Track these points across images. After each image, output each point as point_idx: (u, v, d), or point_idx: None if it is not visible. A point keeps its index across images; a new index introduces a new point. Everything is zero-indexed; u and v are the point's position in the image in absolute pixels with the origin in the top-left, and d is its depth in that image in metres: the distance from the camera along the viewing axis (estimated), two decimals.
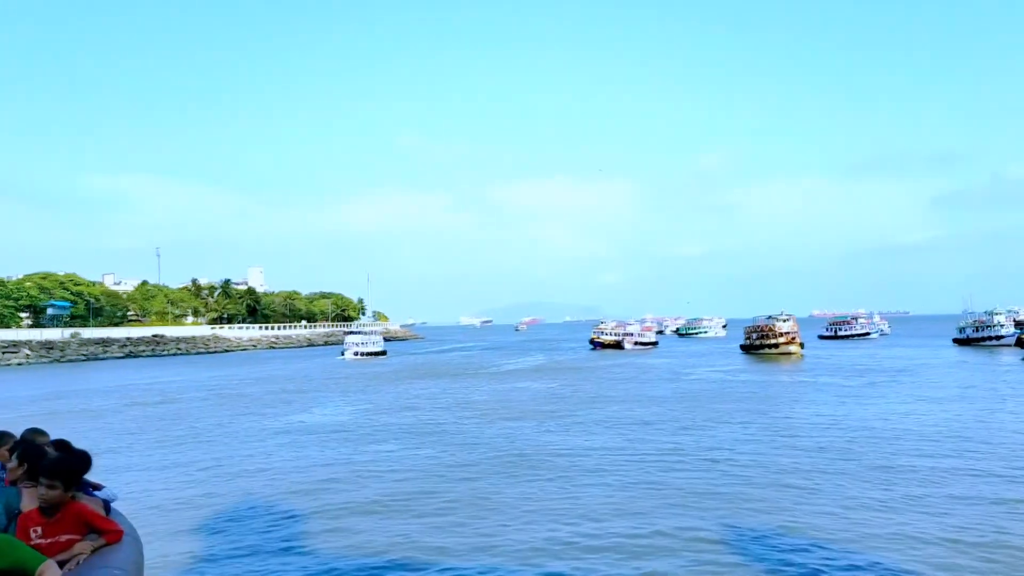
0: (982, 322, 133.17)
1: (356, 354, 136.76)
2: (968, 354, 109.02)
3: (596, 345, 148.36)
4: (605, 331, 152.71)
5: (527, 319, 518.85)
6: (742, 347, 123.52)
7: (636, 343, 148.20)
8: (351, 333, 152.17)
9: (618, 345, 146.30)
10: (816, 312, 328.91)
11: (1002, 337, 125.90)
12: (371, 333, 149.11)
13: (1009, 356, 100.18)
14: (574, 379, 78.08)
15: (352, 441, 40.00)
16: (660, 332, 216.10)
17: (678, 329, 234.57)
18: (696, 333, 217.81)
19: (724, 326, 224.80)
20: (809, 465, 30.70)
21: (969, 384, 64.28)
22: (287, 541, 21.75)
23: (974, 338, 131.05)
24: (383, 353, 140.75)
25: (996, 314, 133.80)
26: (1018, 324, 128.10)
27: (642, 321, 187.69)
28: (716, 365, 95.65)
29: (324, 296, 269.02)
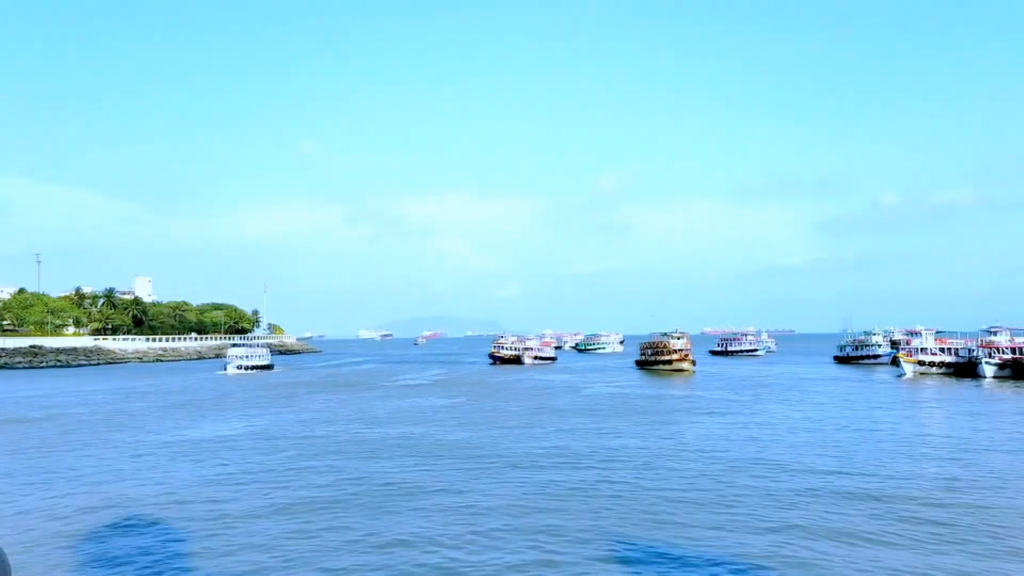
0: (861, 341, 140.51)
1: (240, 368, 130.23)
2: (847, 371, 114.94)
3: (495, 360, 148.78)
4: (504, 346, 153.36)
5: (427, 333, 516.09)
6: (637, 363, 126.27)
7: (535, 358, 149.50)
8: (236, 345, 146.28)
9: (517, 360, 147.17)
10: (708, 329, 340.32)
11: (879, 356, 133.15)
12: (257, 345, 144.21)
13: (884, 373, 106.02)
14: (473, 393, 78.03)
15: (208, 462, 38.71)
16: (559, 347, 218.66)
17: (577, 344, 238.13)
18: (594, 349, 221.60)
19: (621, 342, 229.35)
20: (696, 474, 31.62)
21: (847, 399, 67.75)
22: (154, 555, 20.85)
23: (853, 356, 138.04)
24: (269, 367, 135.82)
25: (873, 334, 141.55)
26: (893, 343, 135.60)
27: (541, 336, 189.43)
28: (612, 380, 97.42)
29: (217, 307, 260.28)
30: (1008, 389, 78.60)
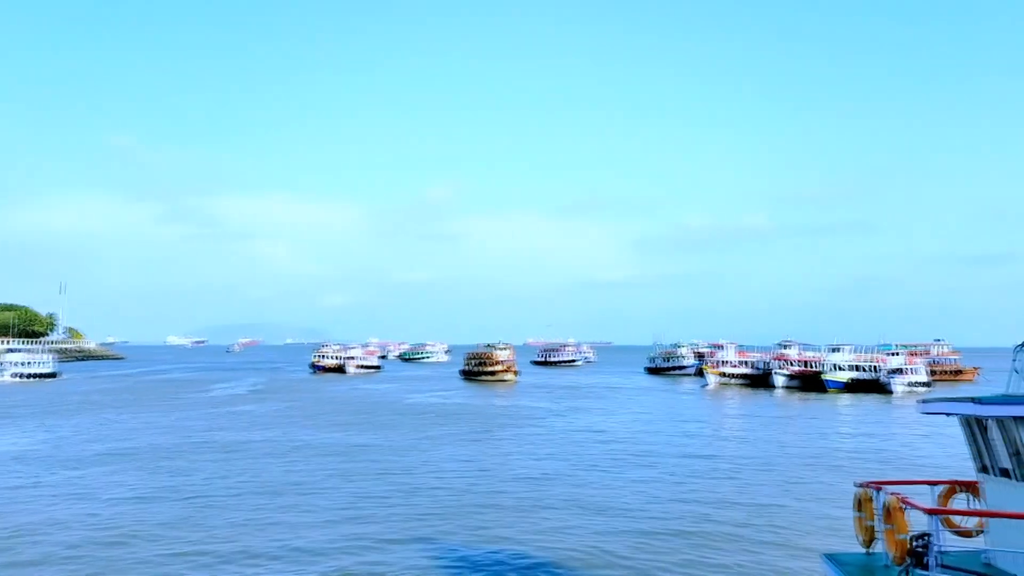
0: (670, 353, 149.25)
1: (17, 376, 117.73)
2: (657, 381, 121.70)
3: (317, 369, 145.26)
4: (327, 355, 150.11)
5: (244, 340, 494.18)
6: (462, 372, 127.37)
7: (359, 367, 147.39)
8: (12, 351, 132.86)
9: (340, 369, 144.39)
10: (531, 340, 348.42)
11: (685, 367, 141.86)
12: (40, 351, 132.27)
13: (690, 384, 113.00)
14: (293, 403, 75.58)
15: None
16: (383, 356, 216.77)
17: (402, 354, 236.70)
18: (420, 358, 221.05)
19: (447, 352, 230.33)
20: (512, 480, 32.28)
21: (656, 406, 71.77)
22: None
23: (663, 367, 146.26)
24: (53, 375, 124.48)
25: (681, 347, 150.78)
26: (698, 356, 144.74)
27: (366, 345, 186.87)
28: (437, 390, 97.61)
29: (7, 308, 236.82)
30: (795, 398, 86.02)
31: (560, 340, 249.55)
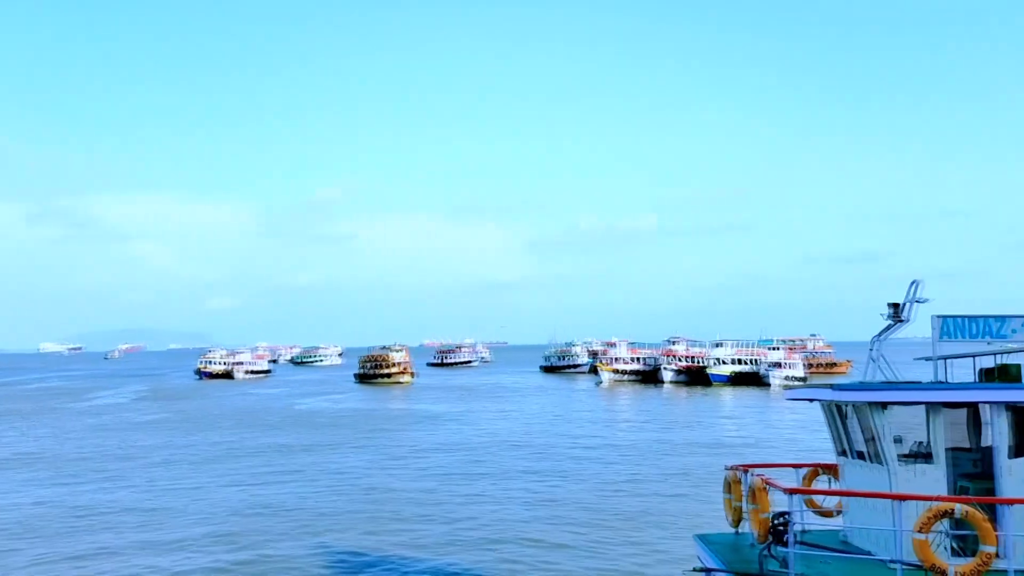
0: (564, 352, 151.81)
1: None
2: (552, 379, 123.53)
3: (204, 375, 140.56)
4: (214, 360, 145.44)
5: (124, 346, 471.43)
6: (357, 376, 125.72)
7: (248, 372, 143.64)
8: None
9: (228, 374, 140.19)
10: (427, 341, 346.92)
11: (579, 365, 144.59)
12: None
13: (584, 381, 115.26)
14: (178, 410, 72.83)
15: None
16: (274, 361, 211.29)
17: (293, 358, 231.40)
18: (312, 362, 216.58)
19: (341, 354, 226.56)
20: (412, 481, 32.34)
21: (550, 404, 72.97)
22: None
23: (558, 366, 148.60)
24: None
25: (575, 345, 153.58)
26: (592, 354, 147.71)
27: (254, 349, 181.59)
28: (330, 393, 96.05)
29: None
30: (683, 392, 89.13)
31: (456, 341, 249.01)
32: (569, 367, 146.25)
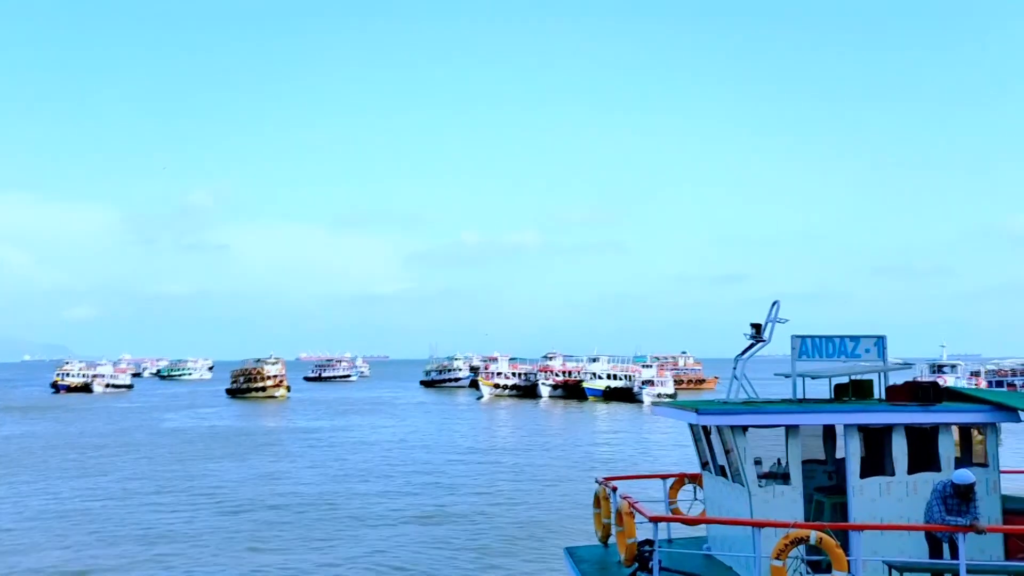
0: (445, 366, 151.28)
1: None
2: (432, 394, 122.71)
3: (60, 388, 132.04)
4: (71, 372, 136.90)
5: None
6: (228, 391, 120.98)
7: (108, 385, 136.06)
8: None
9: (86, 388, 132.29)
10: (304, 355, 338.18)
11: (460, 380, 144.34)
12: None
13: (465, 396, 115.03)
14: (26, 426, 67.72)
15: None
16: (138, 375, 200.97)
17: (159, 371, 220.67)
18: (180, 375, 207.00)
19: (211, 368, 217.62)
20: (284, 500, 31.14)
21: (428, 419, 72.29)
22: None
23: (438, 380, 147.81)
24: None
25: (456, 359, 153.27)
26: (473, 368, 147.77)
27: (117, 362, 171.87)
28: (198, 408, 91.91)
29: None
30: (559, 406, 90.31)
31: (328, 355, 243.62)
32: (449, 381, 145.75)
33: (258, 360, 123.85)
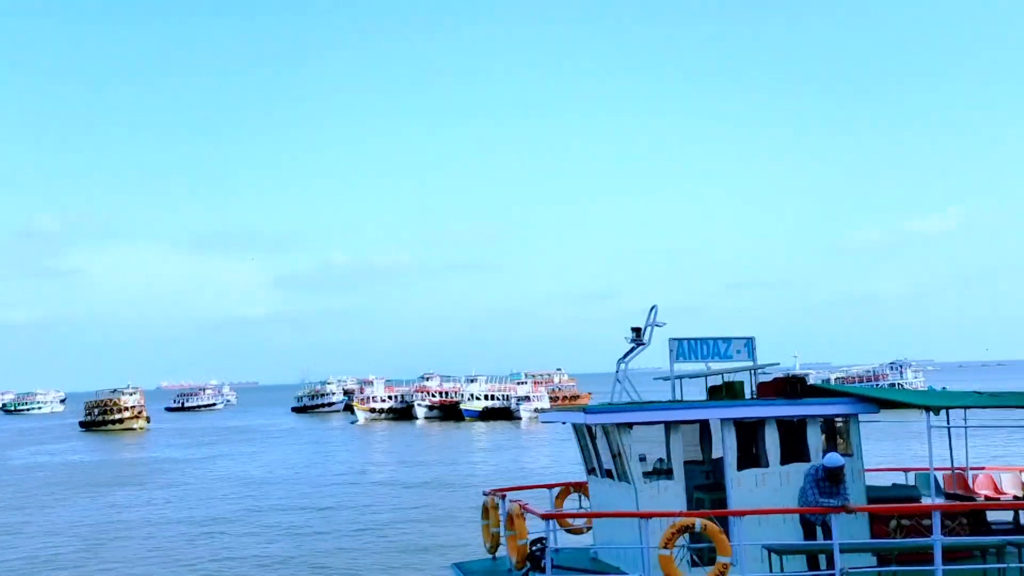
0: (317, 391, 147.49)
1: None
2: (304, 420, 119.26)
3: None
4: None
5: None
6: (82, 424, 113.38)
7: None
8: None
9: None
10: (165, 383, 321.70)
11: (333, 404, 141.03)
12: None
13: (338, 420, 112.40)
14: None
15: None
16: None
17: (4, 405, 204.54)
18: (28, 409, 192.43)
19: (63, 400, 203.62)
20: (143, 539, 29.34)
21: (300, 446, 70.13)
22: None
23: (310, 405, 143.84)
24: None
25: (329, 383, 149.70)
26: (347, 392, 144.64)
27: None
28: (49, 443, 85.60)
29: None
30: (435, 428, 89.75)
31: (192, 383, 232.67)
32: (322, 406, 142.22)
33: (114, 390, 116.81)
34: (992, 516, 13.71)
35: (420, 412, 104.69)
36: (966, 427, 15.28)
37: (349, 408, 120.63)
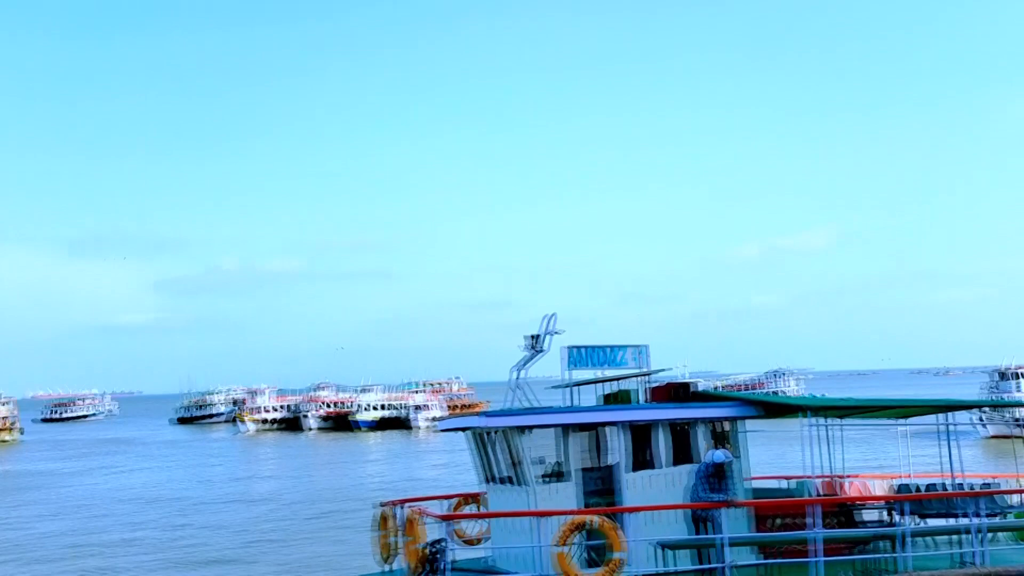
0: (203, 401, 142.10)
1: None
2: (187, 432, 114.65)
3: None
4: None
5: None
6: None
7: None
8: None
9: None
10: (39, 393, 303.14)
11: (218, 415, 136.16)
12: None
13: (224, 432, 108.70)
14: None
15: None
16: None
17: None
18: None
19: None
20: (13, 560, 27.59)
21: (181, 459, 67.40)
22: None
23: (195, 416, 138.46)
24: None
25: (215, 393, 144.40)
26: (235, 402, 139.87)
27: None
28: None
29: None
30: (327, 439, 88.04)
31: (67, 393, 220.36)
32: (207, 417, 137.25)
33: None
34: (864, 516, 14.68)
35: (311, 423, 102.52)
36: (842, 433, 16.19)
37: (235, 419, 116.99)
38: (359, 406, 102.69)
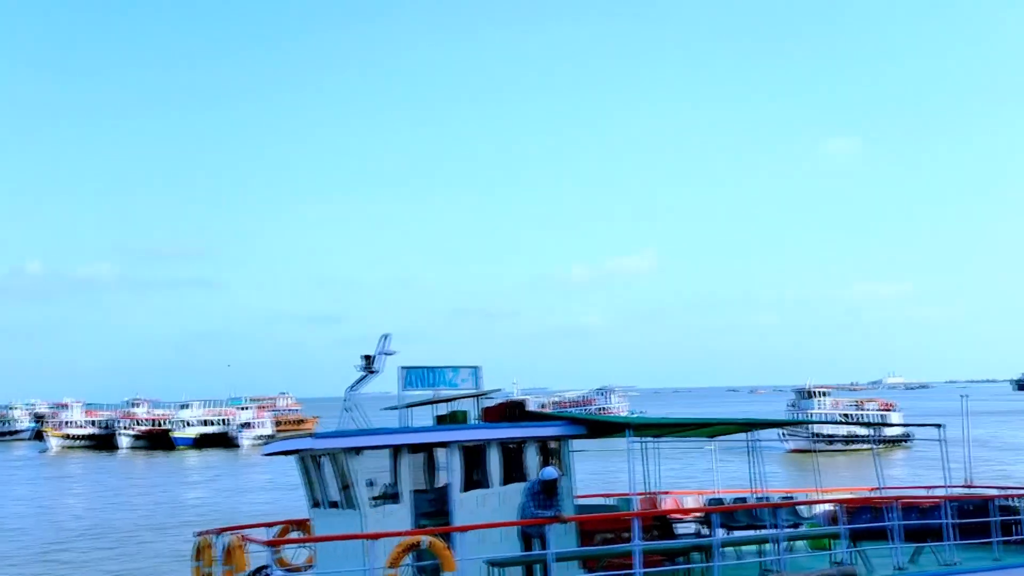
0: (3, 416, 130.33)
1: None
2: None
3: None
4: None
5: None
6: None
7: None
8: None
9: None
10: None
11: (19, 432, 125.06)
12: None
13: (25, 450, 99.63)
14: None
15: None
16: None
17: None
18: None
19: None
20: None
21: None
22: None
23: None
24: None
25: (14, 408, 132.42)
26: (37, 418, 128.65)
27: None
28: None
29: None
30: (141, 458, 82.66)
31: None
32: (8, 434, 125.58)
33: None
34: (679, 529, 15.63)
35: (124, 440, 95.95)
36: (658, 449, 17.16)
37: (39, 435, 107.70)
38: (178, 423, 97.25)
